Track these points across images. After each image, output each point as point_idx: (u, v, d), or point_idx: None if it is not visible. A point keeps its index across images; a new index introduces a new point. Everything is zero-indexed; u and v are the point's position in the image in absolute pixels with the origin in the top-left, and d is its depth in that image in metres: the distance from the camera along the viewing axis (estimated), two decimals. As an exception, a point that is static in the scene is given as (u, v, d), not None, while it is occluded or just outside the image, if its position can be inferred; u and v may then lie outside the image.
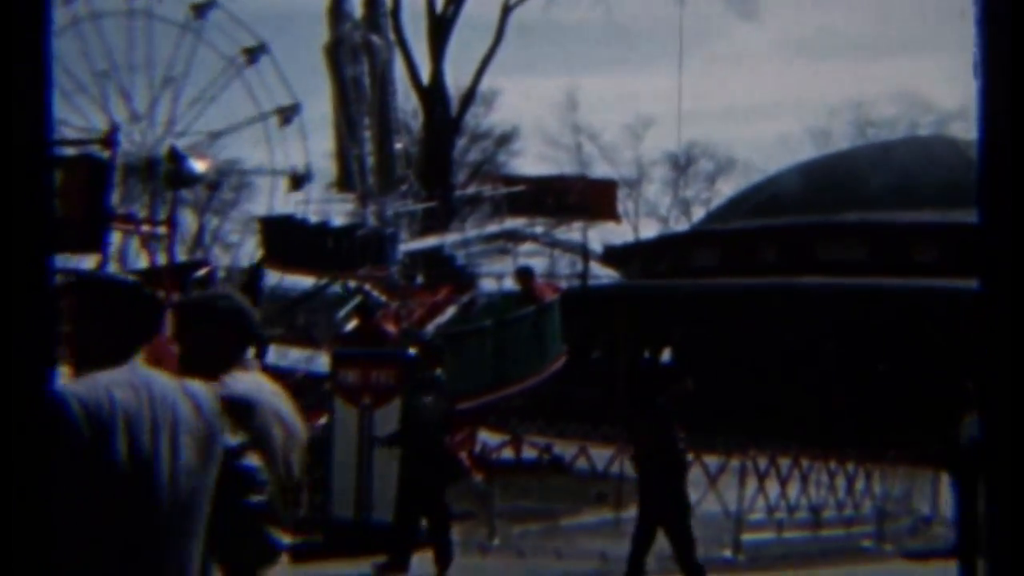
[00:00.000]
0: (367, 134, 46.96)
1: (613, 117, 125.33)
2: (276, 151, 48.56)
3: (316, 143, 59.77)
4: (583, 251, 54.65)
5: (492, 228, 49.25)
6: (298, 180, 48.45)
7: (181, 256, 41.49)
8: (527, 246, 51.21)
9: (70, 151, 29.17)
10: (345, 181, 47.73)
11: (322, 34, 48.65)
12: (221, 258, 69.57)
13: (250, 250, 61.73)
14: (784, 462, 23.90)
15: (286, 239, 41.18)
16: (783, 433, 28.28)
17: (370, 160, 46.43)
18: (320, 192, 53.39)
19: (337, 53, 47.20)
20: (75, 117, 45.94)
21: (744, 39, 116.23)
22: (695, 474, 21.88)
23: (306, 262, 39.89)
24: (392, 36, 52.92)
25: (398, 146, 47.89)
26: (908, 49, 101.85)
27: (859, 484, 24.37)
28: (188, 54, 47.96)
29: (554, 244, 53.31)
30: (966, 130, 66.24)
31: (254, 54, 48.54)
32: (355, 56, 47.27)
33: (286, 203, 48.76)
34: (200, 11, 48.19)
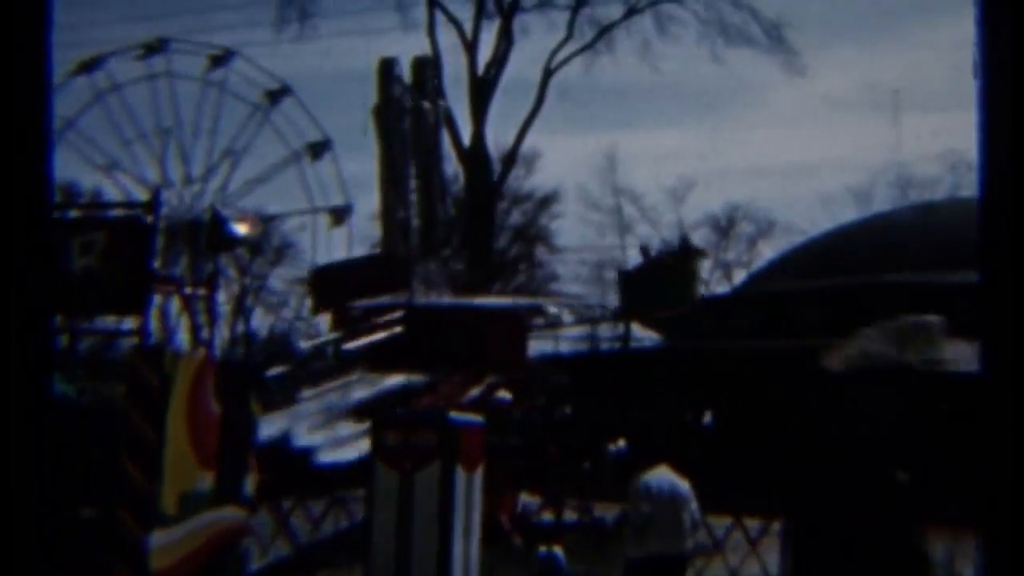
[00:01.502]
0: (413, 197, 47.18)
1: (655, 178, 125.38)
2: (315, 193, 48.89)
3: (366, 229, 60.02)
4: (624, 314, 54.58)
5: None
6: (339, 215, 48.72)
7: (224, 318, 41.70)
8: (566, 309, 51.21)
9: (115, 214, 29.44)
10: (389, 243, 47.92)
11: (371, 96, 49.01)
12: (264, 318, 69.84)
13: (294, 309, 62.03)
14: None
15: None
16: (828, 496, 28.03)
17: (415, 223, 46.63)
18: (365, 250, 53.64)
19: (386, 115, 47.51)
20: (113, 190, 46.43)
21: (785, 97, 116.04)
22: (736, 538, 21.77)
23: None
24: (444, 100, 53.27)
25: (448, 211, 48.19)
26: (950, 107, 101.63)
27: (925, 547, 24.14)
28: (214, 108, 48.41)
29: (591, 307, 53.30)
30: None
31: (277, 96, 49.01)
32: (402, 119, 47.62)
33: (329, 249, 49.03)
34: (218, 61, 48.69)
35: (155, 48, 48.44)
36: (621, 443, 31.17)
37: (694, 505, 17.57)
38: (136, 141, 47.44)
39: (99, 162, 47.81)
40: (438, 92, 53.29)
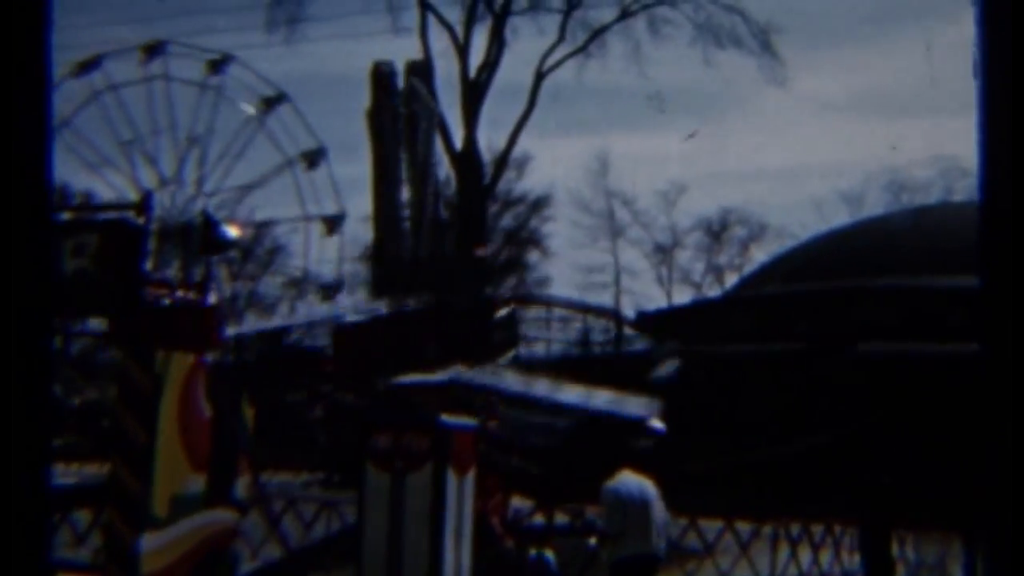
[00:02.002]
0: (405, 200, 47.21)
1: (647, 181, 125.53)
2: (308, 199, 48.80)
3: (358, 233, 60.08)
4: (615, 317, 54.65)
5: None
6: (333, 223, 48.68)
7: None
8: (559, 311, 51.25)
9: (106, 216, 29.37)
10: (382, 245, 47.95)
11: (364, 99, 49.02)
12: (255, 321, 69.80)
13: (284, 312, 62.03)
14: (817, 528, 23.79)
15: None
16: (816, 499, 28.12)
17: (407, 225, 46.66)
18: (356, 251, 53.53)
19: (379, 119, 47.53)
20: (106, 190, 46.36)
21: (777, 101, 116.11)
22: (726, 541, 21.80)
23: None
24: (432, 104, 53.25)
25: (441, 214, 48.14)
26: (943, 112, 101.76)
27: (892, 550, 24.21)
28: (210, 113, 48.31)
29: (587, 310, 53.35)
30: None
31: (273, 103, 48.81)
32: (396, 122, 47.63)
33: (321, 254, 48.84)
34: (216, 66, 48.52)
35: (153, 50, 48.35)
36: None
37: (661, 504, 17.70)
38: (131, 142, 47.37)
39: (93, 162, 47.72)
40: (432, 96, 53.32)
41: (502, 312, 44.01)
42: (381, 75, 50.70)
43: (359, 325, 43.21)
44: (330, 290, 49.38)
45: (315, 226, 48.87)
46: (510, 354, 40.40)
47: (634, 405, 30.61)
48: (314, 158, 48.76)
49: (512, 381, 33.80)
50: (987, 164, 2.83)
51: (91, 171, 48.43)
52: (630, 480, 17.76)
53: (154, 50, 48.62)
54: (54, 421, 32.03)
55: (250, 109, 48.82)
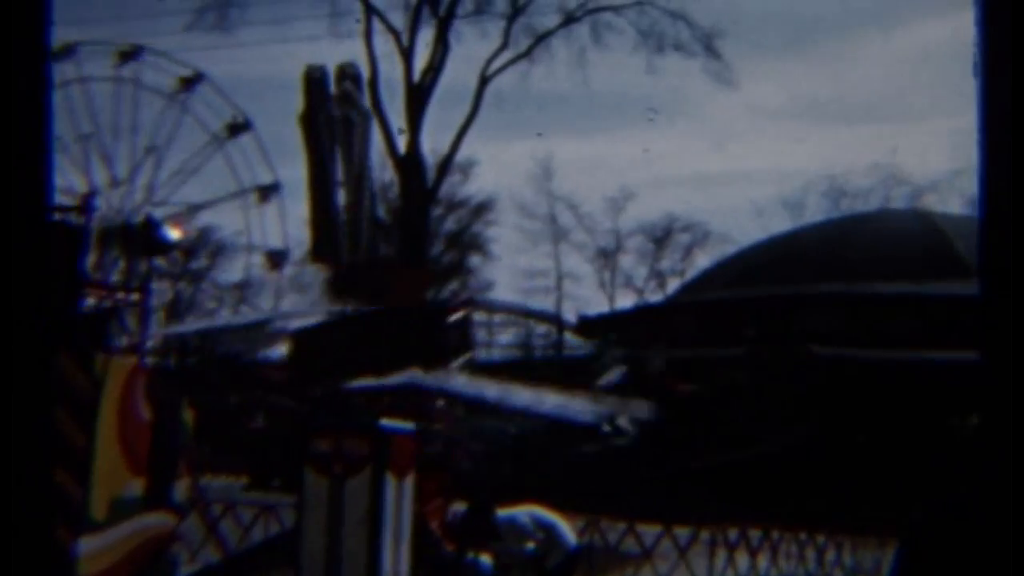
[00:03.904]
0: (342, 203, 47.15)
1: (592, 186, 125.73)
2: (254, 226, 48.69)
3: (294, 208, 59.99)
4: (557, 321, 54.76)
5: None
6: (275, 259, 48.60)
7: (156, 324, 41.49)
8: (500, 317, 51.33)
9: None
10: (320, 249, 47.86)
11: (298, 104, 48.92)
12: (195, 324, 69.52)
13: (224, 316, 61.82)
14: (755, 533, 23.93)
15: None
16: (754, 504, 28.31)
17: (344, 229, 46.60)
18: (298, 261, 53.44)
19: (312, 123, 47.44)
20: (55, 177, 46.10)
21: (720, 107, 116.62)
22: (665, 546, 21.91)
23: None
24: (369, 106, 53.16)
25: (377, 217, 48.05)
26: (883, 120, 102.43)
27: (829, 555, 24.40)
28: (173, 125, 48.17)
29: (528, 314, 53.47)
30: (939, 203, 66.67)
31: (237, 130, 48.69)
32: (331, 126, 47.53)
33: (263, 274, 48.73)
34: (188, 83, 48.41)
35: (62, 54, 47.99)
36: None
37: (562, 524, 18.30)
38: (90, 136, 47.13)
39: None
40: (361, 98, 53.24)
41: (455, 316, 44.19)
42: (313, 79, 50.56)
43: (317, 328, 43.20)
44: (276, 257, 49.24)
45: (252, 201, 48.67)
46: (464, 358, 40.55)
47: (582, 410, 30.77)
48: (268, 193, 48.76)
49: (465, 385, 33.93)
50: (987, 165, 2.87)
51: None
52: (525, 510, 18.40)
53: (129, 55, 48.39)
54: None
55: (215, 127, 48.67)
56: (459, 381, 35.13)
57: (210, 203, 49.66)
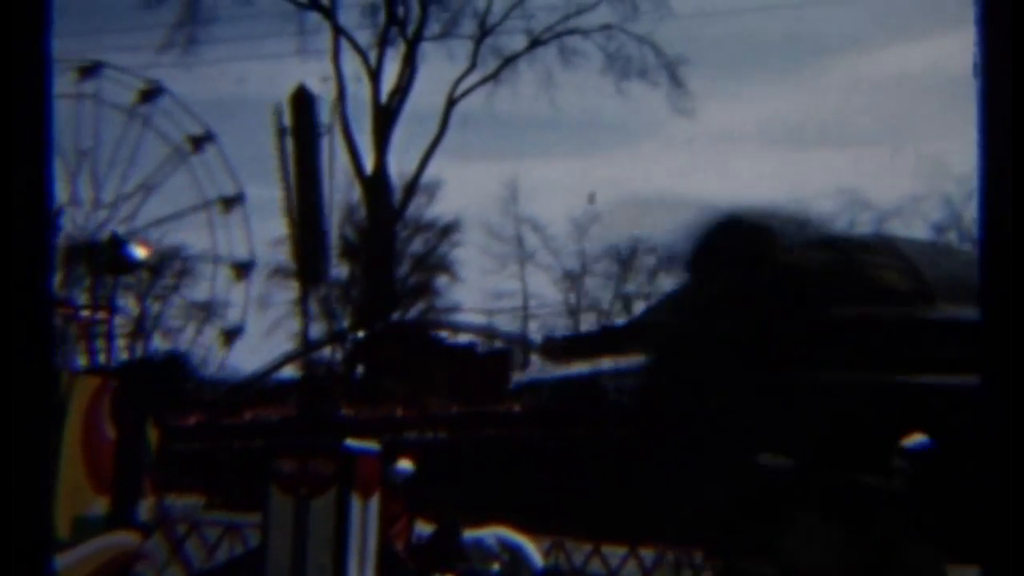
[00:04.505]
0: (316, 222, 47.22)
1: (558, 208, 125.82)
2: (220, 239, 48.62)
3: (258, 222, 60.09)
4: (523, 342, 54.79)
5: None
6: (242, 270, 48.56)
7: (120, 341, 41.39)
8: (466, 337, 51.34)
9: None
10: (308, 267, 47.93)
11: (270, 122, 48.94)
12: (161, 343, 69.34)
13: (190, 336, 61.70)
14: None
15: None
16: (717, 528, 28.28)
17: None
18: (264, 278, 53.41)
19: (286, 141, 47.54)
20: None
21: (685, 131, 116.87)
22: (630, 568, 21.94)
23: None
24: (337, 126, 53.25)
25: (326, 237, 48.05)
26: (847, 144, 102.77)
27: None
28: (135, 140, 48.08)
29: (494, 335, 53.50)
30: (903, 227, 66.92)
31: (200, 142, 48.67)
32: (285, 147, 47.64)
33: (228, 290, 48.68)
34: (147, 96, 48.36)
35: (88, 71, 48.01)
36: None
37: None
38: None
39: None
40: (343, 119, 53.35)
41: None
42: (302, 98, 50.76)
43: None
44: (243, 268, 49.18)
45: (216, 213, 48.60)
46: None
47: None
48: (232, 204, 48.74)
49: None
50: (988, 165, 2.87)
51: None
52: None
53: (89, 71, 48.30)
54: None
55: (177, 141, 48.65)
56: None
57: (175, 216, 49.57)
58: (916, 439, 18.19)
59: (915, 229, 69.90)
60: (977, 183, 2.86)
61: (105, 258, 35.69)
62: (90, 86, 48.25)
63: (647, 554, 23.42)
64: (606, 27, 67.66)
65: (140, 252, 34.36)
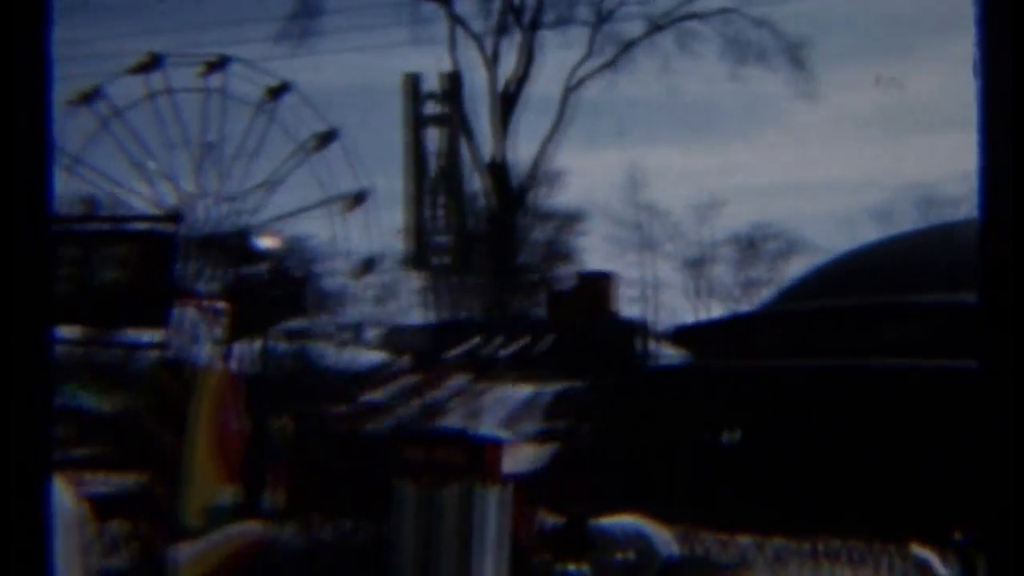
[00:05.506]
0: (440, 213, 47.28)
1: (680, 196, 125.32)
2: (342, 235, 48.77)
3: (382, 216, 60.24)
4: (645, 331, 54.50)
5: None
6: (365, 267, 48.68)
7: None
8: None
9: (138, 226, 29.52)
10: (416, 258, 48.01)
11: (397, 113, 49.09)
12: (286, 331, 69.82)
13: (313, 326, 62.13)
14: (856, 545, 23.65)
15: None
16: (854, 516, 27.94)
17: (444, 240, 46.75)
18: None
19: (413, 132, 47.63)
20: (144, 187, 46.60)
21: (807, 115, 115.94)
22: (762, 556, 21.66)
23: None
24: (455, 116, 53.29)
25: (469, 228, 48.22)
26: (972, 128, 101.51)
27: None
28: (260, 135, 48.34)
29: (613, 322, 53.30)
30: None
31: (324, 141, 48.87)
32: (429, 135, 47.76)
33: (352, 284, 48.94)
34: (276, 93, 48.68)
35: (149, 65, 48.46)
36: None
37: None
38: (145, 163, 47.54)
39: (112, 191, 48.00)
40: (460, 109, 53.44)
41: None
42: (412, 87, 50.85)
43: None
44: (365, 264, 49.33)
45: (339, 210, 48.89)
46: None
47: None
48: (356, 202, 48.80)
49: None
50: (988, 165, 2.80)
51: (135, 168, 48.67)
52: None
53: (150, 64, 48.76)
54: (82, 431, 32.08)
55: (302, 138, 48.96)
56: None
57: (298, 212, 49.80)
58: None
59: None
60: (977, 183, 2.84)
61: (231, 249, 35.92)
62: (217, 80, 48.66)
63: (779, 543, 23.16)
64: (725, 10, 67.09)
65: (267, 243, 34.53)
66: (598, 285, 52.58)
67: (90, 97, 48.31)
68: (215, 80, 48.68)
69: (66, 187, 47.37)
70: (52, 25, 2.93)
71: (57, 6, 3.00)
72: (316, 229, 54.96)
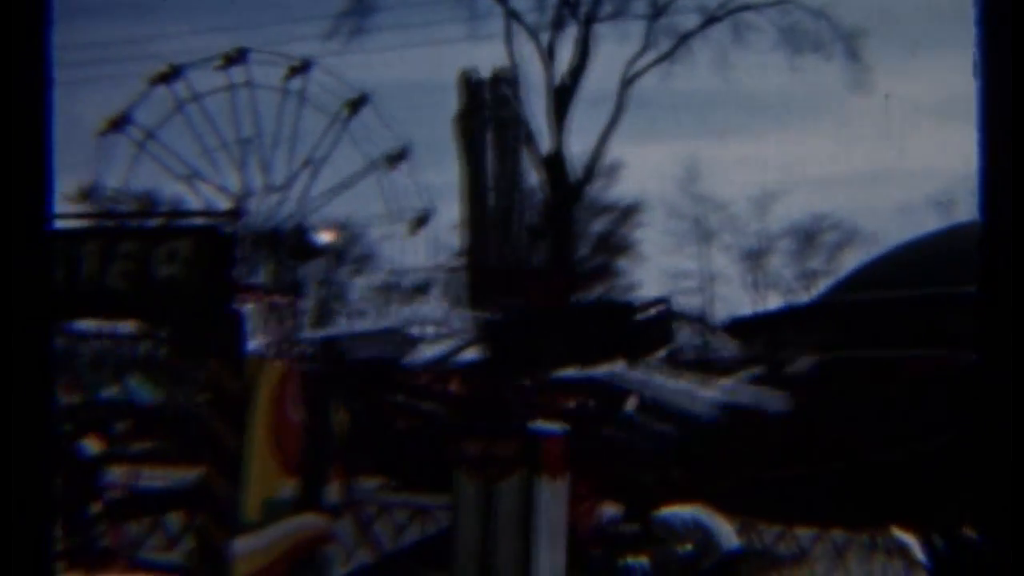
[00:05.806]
0: (493, 207, 47.36)
1: (737, 187, 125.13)
2: (394, 200, 48.92)
3: (442, 214, 60.32)
4: (702, 322, 54.42)
5: None
6: (419, 221, 48.85)
7: (308, 326, 41.96)
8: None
9: (197, 222, 29.69)
10: (472, 253, 48.11)
11: (450, 106, 49.19)
12: (346, 325, 70.12)
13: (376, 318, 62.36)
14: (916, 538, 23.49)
15: None
16: (915, 508, 27.78)
17: (496, 232, 46.81)
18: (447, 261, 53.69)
19: (467, 126, 47.72)
20: (212, 172, 46.99)
21: (865, 105, 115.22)
22: (822, 548, 21.59)
23: None
24: (512, 110, 53.32)
25: (525, 222, 48.29)
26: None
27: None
28: (294, 118, 48.64)
29: (672, 314, 53.21)
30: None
31: (395, 160, 49.06)
32: (484, 130, 47.83)
33: (410, 259, 49.16)
34: (296, 71, 49.00)
35: (234, 59, 48.85)
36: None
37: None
38: (217, 151, 47.87)
39: (180, 173, 48.31)
40: (519, 103, 53.45)
41: (652, 311, 44.54)
42: (469, 82, 50.89)
43: (508, 322, 43.51)
44: (420, 220, 49.51)
45: (402, 230, 49.09)
46: (662, 352, 40.78)
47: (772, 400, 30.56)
48: (395, 159, 48.93)
49: (664, 379, 33.92)
50: (987, 165, 2.79)
51: (179, 181, 49.03)
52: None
53: (235, 58, 49.10)
54: (141, 425, 32.29)
55: (335, 109, 49.14)
56: (658, 376, 34.99)
57: (343, 184, 50.06)
58: None
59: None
60: (977, 183, 2.88)
61: (290, 243, 36.18)
62: (239, 74, 49.02)
63: (837, 536, 23.07)
64: (780, 1, 66.84)
65: (325, 238, 34.74)
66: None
67: (169, 77, 48.88)
68: (296, 82, 49.20)
69: (136, 161, 47.77)
70: (52, 25, 2.94)
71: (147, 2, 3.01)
72: (364, 205, 55.20)
